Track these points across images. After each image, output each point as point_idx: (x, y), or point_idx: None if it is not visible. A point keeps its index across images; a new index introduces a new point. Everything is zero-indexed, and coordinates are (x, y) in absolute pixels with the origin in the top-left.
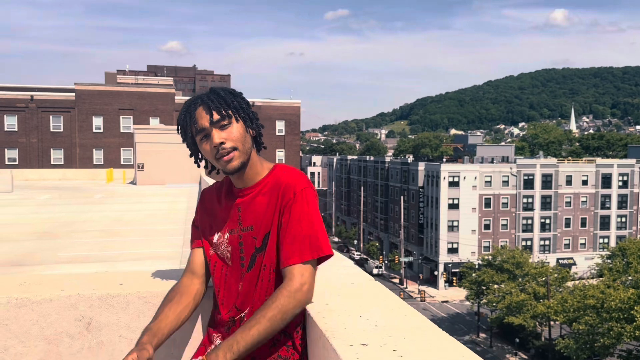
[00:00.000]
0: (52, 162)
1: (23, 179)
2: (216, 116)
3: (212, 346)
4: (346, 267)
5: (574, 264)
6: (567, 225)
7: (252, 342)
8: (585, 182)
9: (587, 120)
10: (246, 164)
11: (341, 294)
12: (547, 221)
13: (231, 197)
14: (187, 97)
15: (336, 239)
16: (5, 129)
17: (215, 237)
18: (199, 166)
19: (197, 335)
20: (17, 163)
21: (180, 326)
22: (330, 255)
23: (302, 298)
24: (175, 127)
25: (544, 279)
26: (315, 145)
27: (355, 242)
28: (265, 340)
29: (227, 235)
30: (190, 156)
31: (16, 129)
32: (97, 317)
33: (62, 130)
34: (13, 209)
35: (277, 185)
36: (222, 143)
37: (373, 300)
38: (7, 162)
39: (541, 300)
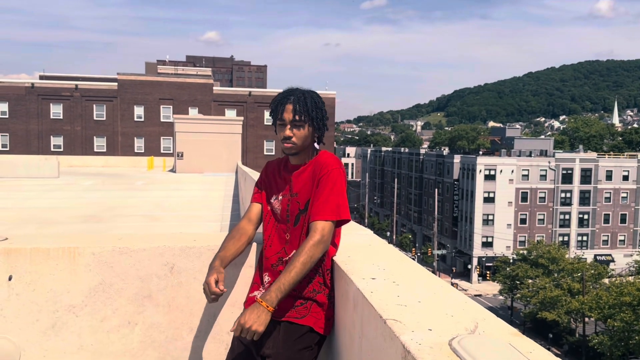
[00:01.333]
0: (95, 150)
1: (68, 165)
2: (297, 118)
3: (263, 284)
4: (367, 235)
5: (612, 260)
6: (606, 221)
7: (292, 282)
8: (626, 178)
9: (632, 114)
10: (299, 152)
11: (360, 251)
12: (586, 217)
13: (287, 170)
14: (225, 88)
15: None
16: (51, 116)
17: (272, 198)
18: (276, 134)
19: (248, 275)
20: (62, 150)
21: (237, 256)
22: (348, 220)
23: (323, 247)
24: (214, 117)
25: (579, 274)
26: (350, 136)
27: (388, 234)
28: (301, 278)
29: (280, 197)
30: (273, 124)
31: (61, 117)
32: (178, 263)
33: (104, 118)
34: (60, 194)
35: (317, 164)
36: (290, 137)
37: (384, 255)
38: (52, 149)
39: (576, 297)
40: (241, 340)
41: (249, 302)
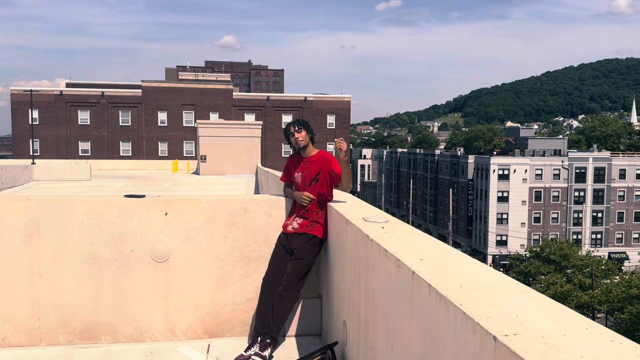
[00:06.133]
0: (121, 154)
1: (97, 169)
2: (297, 127)
3: (292, 216)
4: (349, 196)
5: (627, 258)
6: (620, 219)
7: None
8: (639, 176)
9: None
10: (306, 146)
11: (343, 201)
12: (599, 215)
13: (302, 159)
14: (244, 93)
15: None
16: (79, 122)
17: (295, 174)
18: (290, 145)
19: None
20: (89, 154)
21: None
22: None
23: (350, 187)
24: (234, 121)
25: (589, 270)
26: (366, 138)
27: None
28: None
29: (300, 173)
30: (287, 140)
31: (89, 123)
32: (248, 207)
33: (130, 124)
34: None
35: (322, 158)
36: (298, 138)
37: (352, 201)
38: (80, 154)
39: (586, 291)
40: (280, 242)
41: (285, 226)
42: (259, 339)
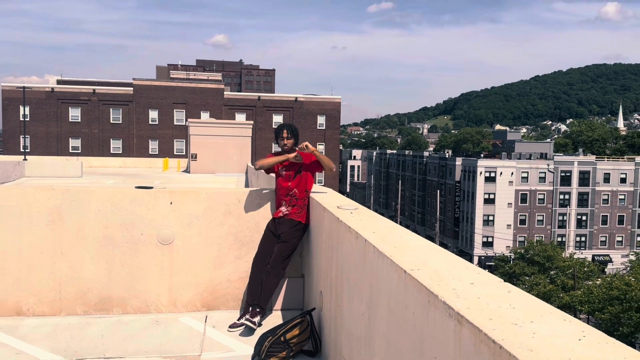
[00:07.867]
0: (112, 151)
1: (88, 166)
2: (288, 134)
3: (280, 205)
4: (327, 189)
5: (610, 261)
6: (604, 222)
7: (322, 158)
8: (623, 180)
9: (639, 117)
10: (291, 150)
11: (322, 193)
12: (584, 218)
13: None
14: (235, 93)
15: None
16: (70, 119)
17: (280, 167)
18: (277, 144)
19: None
20: (80, 151)
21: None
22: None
23: (334, 167)
24: (226, 120)
25: (571, 271)
26: (357, 139)
27: None
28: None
29: (284, 168)
30: (276, 140)
31: (80, 120)
32: (241, 198)
33: (121, 122)
34: None
35: (305, 156)
36: (286, 144)
37: (331, 194)
38: (71, 150)
39: (569, 292)
40: (269, 227)
41: (277, 212)
42: (250, 308)
